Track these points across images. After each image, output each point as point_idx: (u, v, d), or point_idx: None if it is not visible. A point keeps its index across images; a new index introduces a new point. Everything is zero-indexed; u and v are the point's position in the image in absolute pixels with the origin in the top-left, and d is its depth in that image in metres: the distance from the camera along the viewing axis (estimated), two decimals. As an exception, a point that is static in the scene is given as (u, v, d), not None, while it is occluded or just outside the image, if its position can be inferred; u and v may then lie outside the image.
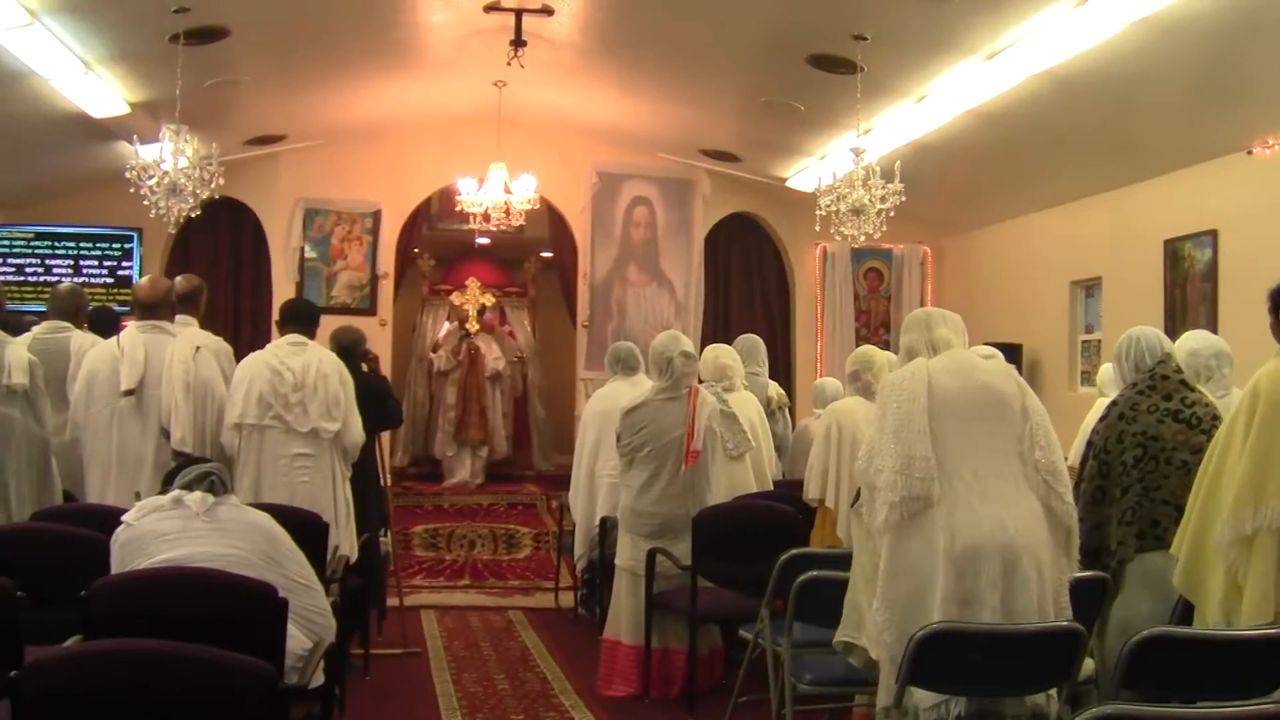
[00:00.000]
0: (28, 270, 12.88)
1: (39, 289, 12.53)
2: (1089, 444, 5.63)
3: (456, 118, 13.38)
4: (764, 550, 6.14)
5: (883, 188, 9.60)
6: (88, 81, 9.51)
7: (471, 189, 13.10)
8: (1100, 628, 5.16)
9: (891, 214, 9.74)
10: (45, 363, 6.75)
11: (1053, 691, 4.49)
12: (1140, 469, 5.32)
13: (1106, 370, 7.61)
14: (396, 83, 12.01)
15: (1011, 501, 4.41)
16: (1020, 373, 4.95)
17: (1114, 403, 5.58)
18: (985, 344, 7.84)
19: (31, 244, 12.97)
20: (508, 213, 13.09)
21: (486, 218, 13.18)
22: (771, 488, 8.19)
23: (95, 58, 9.22)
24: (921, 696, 4.35)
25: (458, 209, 13.60)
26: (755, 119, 11.98)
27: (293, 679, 4.28)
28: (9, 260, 12.84)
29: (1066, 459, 4.92)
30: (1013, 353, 10.54)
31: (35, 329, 7.62)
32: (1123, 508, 5.34)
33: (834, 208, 9.75)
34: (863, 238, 9.80)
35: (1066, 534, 4.53)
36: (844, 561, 5.12)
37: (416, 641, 8.92)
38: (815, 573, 5.33)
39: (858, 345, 12.08)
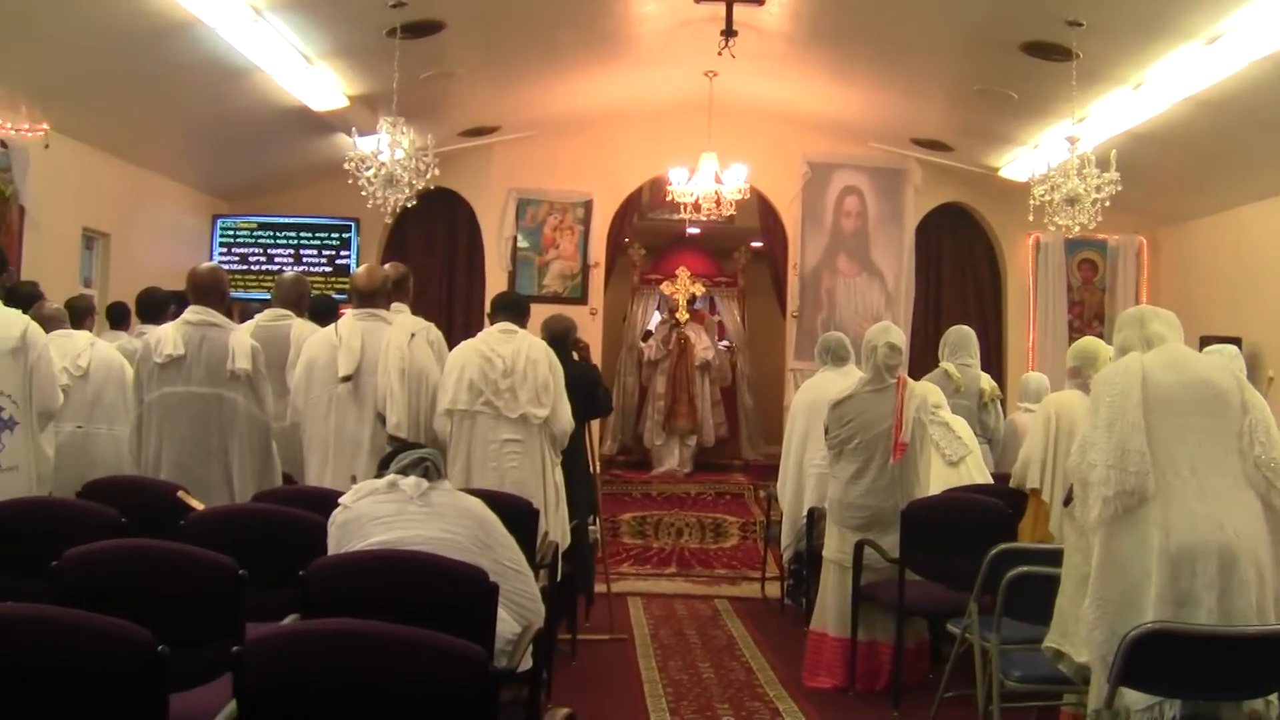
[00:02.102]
0: (251, 259, 13.30)
1: (261, 277, 12.94)
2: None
3: (667, 108, 13.43)
4: (973, 544, 6.07)
5: (1098, 177, 9.38)
6: (309, 76, 9.79)
7: (682, 179, 13.13)
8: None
9: (1107, 204, 9.51)
10: (267, 349, 6.94)
11: (1273, 697, 4.34)
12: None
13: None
14: (607, 74, 12.10)
15: (1230, 499, 4.27)
16: (1240, 367, 4.81)
17: (1341, 399, 5.39)
18: (1203, 337, 7.62)
19: (254, 234, 13.40)
20: (718, 203, 13.09)
21: (697, 207, 13.20)
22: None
23: (316, 53, 9.47)
24: (1134, 698, 4.25)
25: (668, 199, 13.66)
26: (968, 107, 11.81)
27: (502, 662, 4.35)
28: (234, 249, 13.27)
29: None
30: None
31: (259, 316, 7.82)
32: (1351, 508, 5.15)
33: (1048, 197, 9.56)
34: (1077, 228, 9.60)
35: (1291, 533, 4.38)
36: (1055, 558, 5.04)
37: (623, 628, 9.02)
38: (1025, 568, 5.27)
39: (1070, 338, 11.85)
